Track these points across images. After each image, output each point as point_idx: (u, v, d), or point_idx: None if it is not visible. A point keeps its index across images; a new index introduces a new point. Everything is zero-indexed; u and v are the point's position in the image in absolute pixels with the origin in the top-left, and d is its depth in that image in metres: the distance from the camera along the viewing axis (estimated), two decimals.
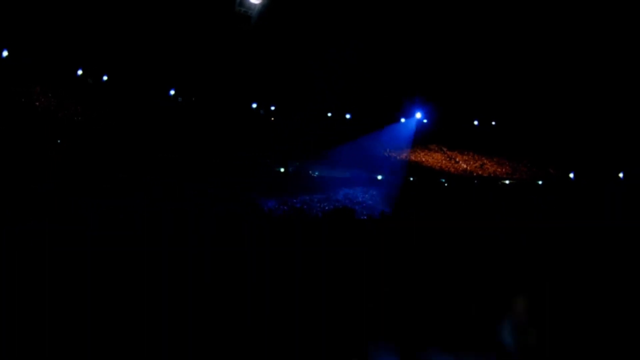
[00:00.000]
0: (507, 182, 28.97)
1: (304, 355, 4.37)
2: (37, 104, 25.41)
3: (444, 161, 32.73)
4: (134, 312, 4.33)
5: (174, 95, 31.79)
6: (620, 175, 26.21)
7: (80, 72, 29.36)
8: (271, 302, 4.69)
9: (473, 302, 4.99)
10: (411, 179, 28.66)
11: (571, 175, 28.05)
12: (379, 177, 28.50)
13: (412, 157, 32.05)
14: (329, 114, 34.41)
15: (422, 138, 33.65)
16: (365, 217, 21.56)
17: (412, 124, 33.97)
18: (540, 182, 28.16)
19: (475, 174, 30.57)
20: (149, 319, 4.28)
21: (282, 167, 27.29)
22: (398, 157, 31.58)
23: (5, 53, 25.90)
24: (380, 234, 6.13)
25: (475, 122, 35.09)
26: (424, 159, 32.56)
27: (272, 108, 34.26)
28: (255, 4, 27.42)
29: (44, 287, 4.25)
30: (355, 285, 5.01)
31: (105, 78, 29.92)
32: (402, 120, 34.32)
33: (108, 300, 4.37)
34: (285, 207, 20.50)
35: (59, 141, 22.27)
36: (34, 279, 4.31)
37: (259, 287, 4.71)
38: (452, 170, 31.34)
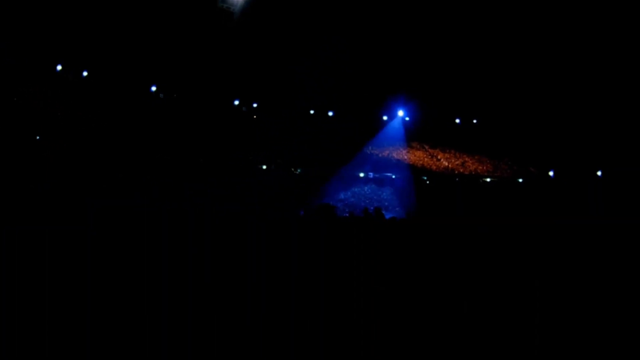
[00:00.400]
0: (488, 179, 29.36)
1: (301, 355, 4.41)
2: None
3: (425, 159, 32.96)
4: (133, 312, 4.33)
5: (155, 91, 31.52)
6: (599, 173, 26.74)
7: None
8: (268, 302, 4.71)
9: (464, 300, 5.07)
10: (393, 176, 28.90)
11: (551, 173, 28.54)
12: (361, 175, 28.66)
13: (394, 155, 32.23)
14: (312, 112, 34.36)
15: (404, 135, 33.81)
16: (347, 215, 21.68)
17: (395, 122, 34.13)
18: (520, 180, 28.61)
19: (456, 172, 30.87)
20: (149, 319, 4.28)
21: (268, 165, 27.32)
22: (380, 155, 31.74)
23: None
24: (371, 232, 6.17)
25: (457, 120, 35.37)
26: (405, 157, 32.76)
27: (255, 105, 34.08)
28: (237, 0, 27.30)
29: (44, 287, 4.22)
30: (350, 284, 5.05)
31: (87, 75, 29.74)
32: (385, 118, 34.46)
33: (108, 302, 4.35)
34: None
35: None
36: (34, 279, 4.28)
37: (258, 287, 4.73)
38: (434, 168, 31.61)
